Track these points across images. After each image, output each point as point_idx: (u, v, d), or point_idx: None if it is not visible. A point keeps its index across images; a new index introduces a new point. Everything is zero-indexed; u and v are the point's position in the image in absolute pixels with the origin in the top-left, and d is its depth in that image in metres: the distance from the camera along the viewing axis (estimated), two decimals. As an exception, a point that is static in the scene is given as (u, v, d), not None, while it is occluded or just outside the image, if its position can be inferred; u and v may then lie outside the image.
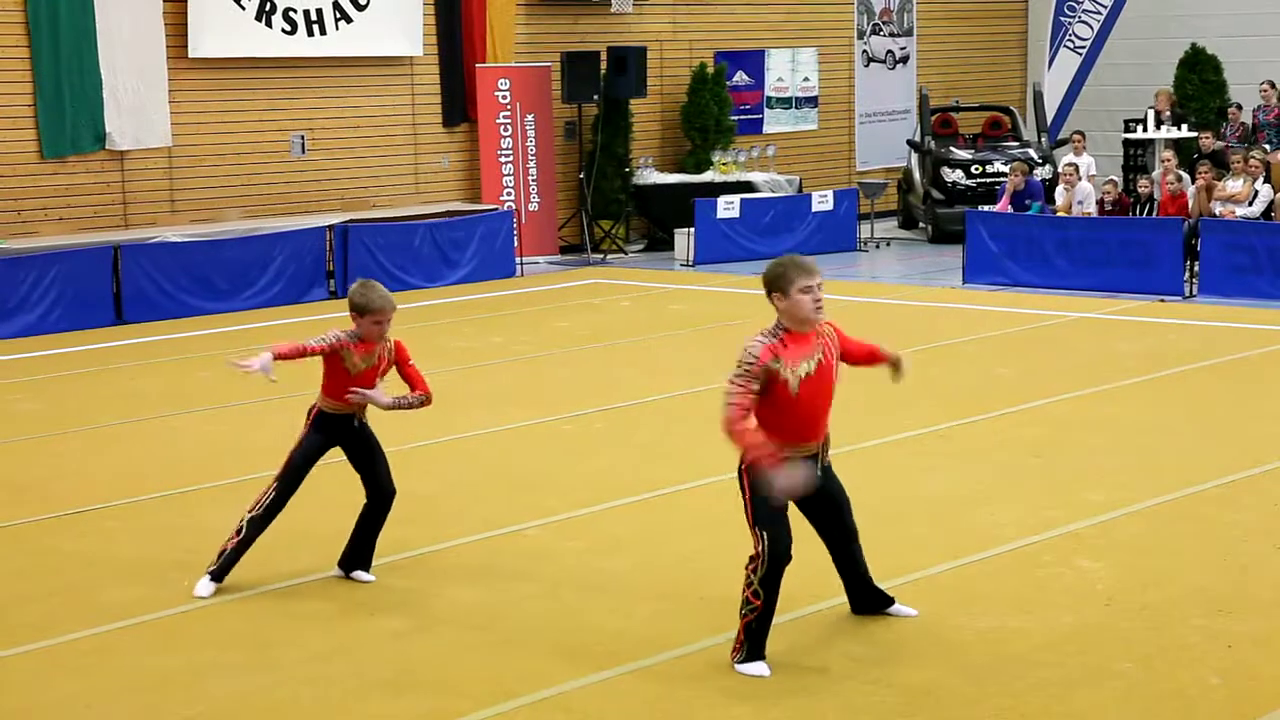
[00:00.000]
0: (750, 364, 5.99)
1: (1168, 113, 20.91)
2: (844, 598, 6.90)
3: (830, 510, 6.38)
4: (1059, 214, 18.02)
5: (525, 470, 9.49)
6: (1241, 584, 7.21)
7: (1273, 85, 20.34)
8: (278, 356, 6.98)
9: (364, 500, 7.31)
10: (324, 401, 7.28)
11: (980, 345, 13.71)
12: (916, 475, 9.32)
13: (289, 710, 5.94)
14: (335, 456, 7.51)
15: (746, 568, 6.09)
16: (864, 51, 24.35)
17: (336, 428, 7.30)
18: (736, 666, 6.14)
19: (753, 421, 5.92)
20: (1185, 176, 17.77)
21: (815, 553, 6.79)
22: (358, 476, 7.38)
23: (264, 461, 9.86)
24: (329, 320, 15.82)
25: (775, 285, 6.22)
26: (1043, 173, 20.79)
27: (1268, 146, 19.46)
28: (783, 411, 6.02)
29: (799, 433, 6.09)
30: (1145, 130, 20.99)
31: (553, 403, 11.39)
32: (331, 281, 17.40)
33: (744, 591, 6.10)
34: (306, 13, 18.41)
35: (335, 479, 8.27)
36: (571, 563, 7.78)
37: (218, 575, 7.31)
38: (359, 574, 7.44)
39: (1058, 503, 8.67)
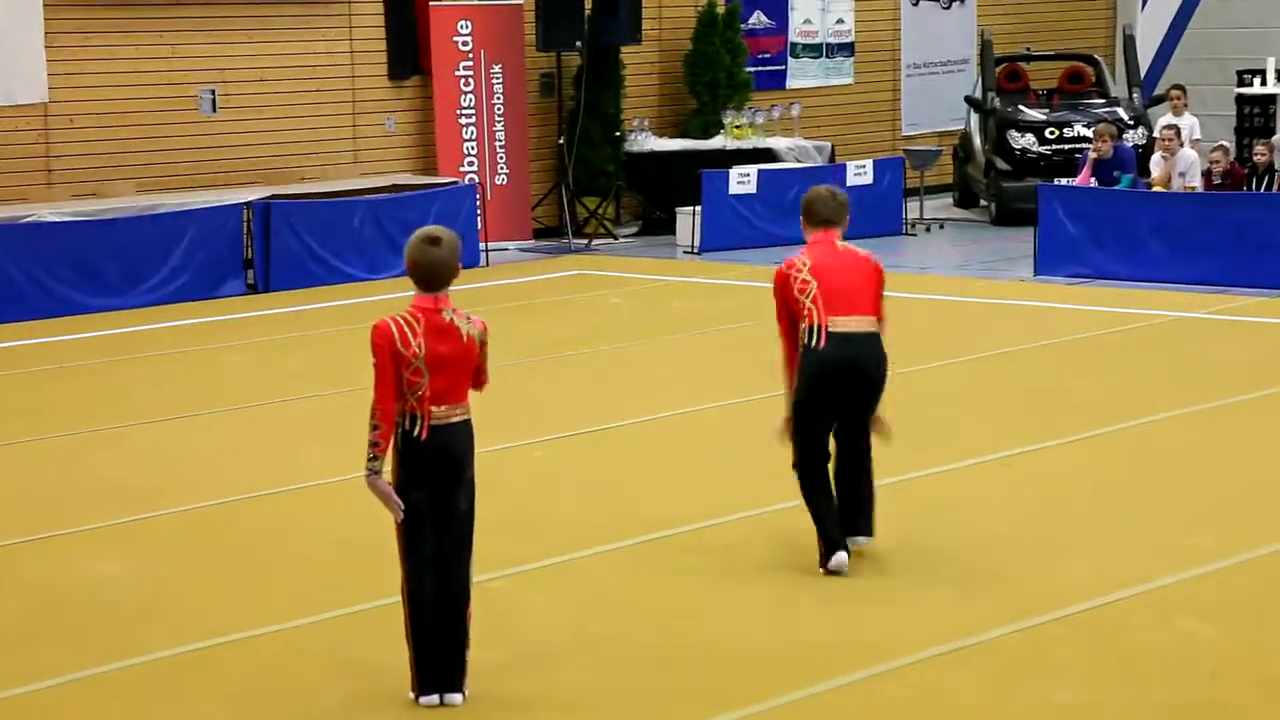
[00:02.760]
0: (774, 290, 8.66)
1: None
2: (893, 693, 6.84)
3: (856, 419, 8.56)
4: (1155, 188, 18.00)
5: (487, 508, 9.45)
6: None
7: None
8: None
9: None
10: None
11: (1055, 352, 13.70)
12: (975, 514, 9.30)
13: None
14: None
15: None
16: (912, -13, 24.34)
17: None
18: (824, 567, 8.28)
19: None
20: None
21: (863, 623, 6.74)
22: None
23: (156, 497, 9.82)
24: (245, 321, 15.81)
25: (804, 213, 8.90)
26: (1135, 137, 20.77)
27: None
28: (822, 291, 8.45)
29: (841, 306, 8.40)
30: (1264, 84, 21.01)
31: (522, 424, 11.36)
32: (250, 272, 17.36)
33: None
34: (219, -62, 18.39)
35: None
36: (546, 623, 7.74)
37: None
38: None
39: (1152, 550, 8.65)
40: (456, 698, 6.81)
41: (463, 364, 6.82)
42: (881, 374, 8.41)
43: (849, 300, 8.37)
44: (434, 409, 6.76)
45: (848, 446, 8.50)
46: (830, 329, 8.30)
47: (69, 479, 10.41)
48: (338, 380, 12.91)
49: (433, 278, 6.78)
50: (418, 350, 6.74)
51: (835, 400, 8.35)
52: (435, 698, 6.75)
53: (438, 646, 6.76)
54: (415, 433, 6.76)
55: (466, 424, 6.85)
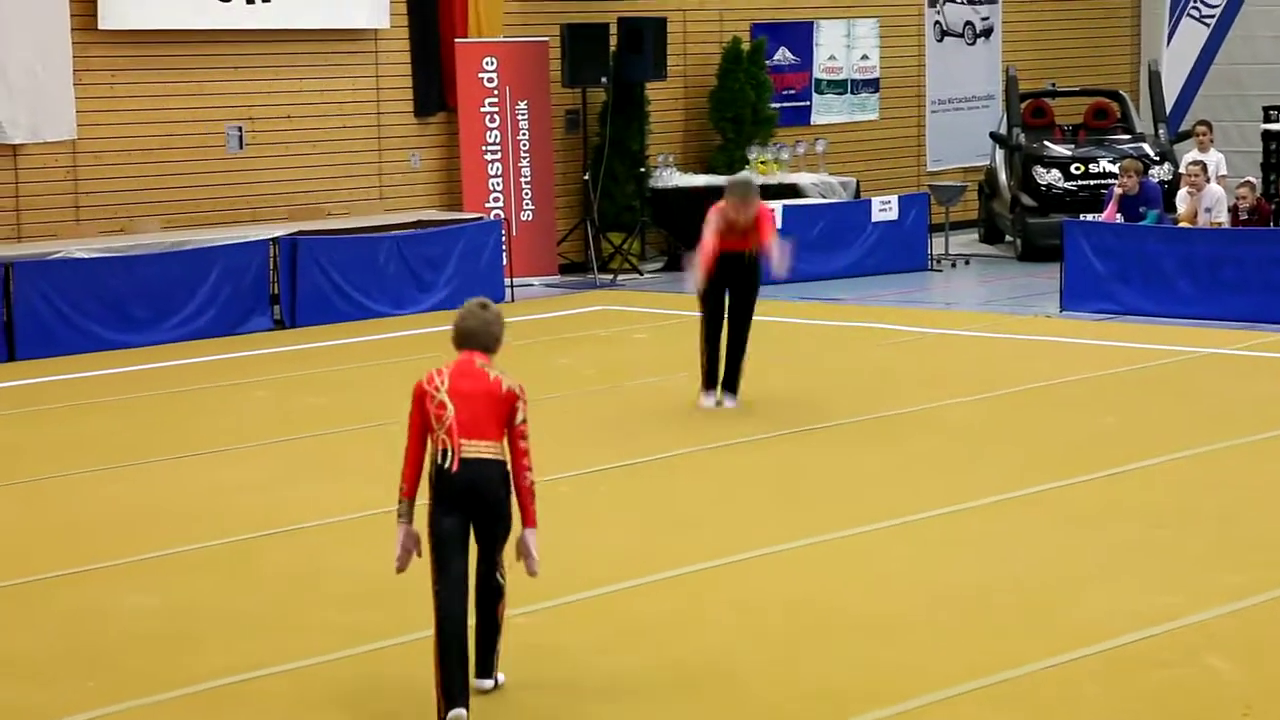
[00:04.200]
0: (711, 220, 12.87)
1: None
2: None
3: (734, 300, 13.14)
4: (1181, 224, 17.98)
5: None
6: None
7: None
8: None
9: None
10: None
11: (1082, 388, 13.67)
12: (1002, 550, 9.28)
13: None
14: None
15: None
16: (936, 23, 24.38)
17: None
18: (700, 402, 13.03)
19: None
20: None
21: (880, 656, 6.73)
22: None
23: (183, 530, 9.85)
24: (271, 356, 15.84)
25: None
26: (1161, 173, 20.75)
27: None
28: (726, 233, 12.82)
29: (727, 246, 12.84)
30: (1289, 120, 20.97)
31: (548, 459, 11.33)
32: (276, 308, 17.39)
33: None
34: (246, -25, 18.49)
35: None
36: (577, 660, 7.75)
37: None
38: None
39: (1181, 586, 8.62)
40: (486, 683, 7.18)
41: (488, 401, 7.09)
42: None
43: None
44: (464, 442, 7.04)
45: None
46: None
47: (99, 513, 10.43)
48: (363, 416, 12.93)
49: (469, 338, 7.25)
50: (439, 384, 7.13)
51: None
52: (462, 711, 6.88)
53: (464, 661, 6.97)
54: (447, 465, 7.06)
55: (499, 464, 7.09)
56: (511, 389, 7.12)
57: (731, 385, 13.05)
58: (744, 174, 13.51)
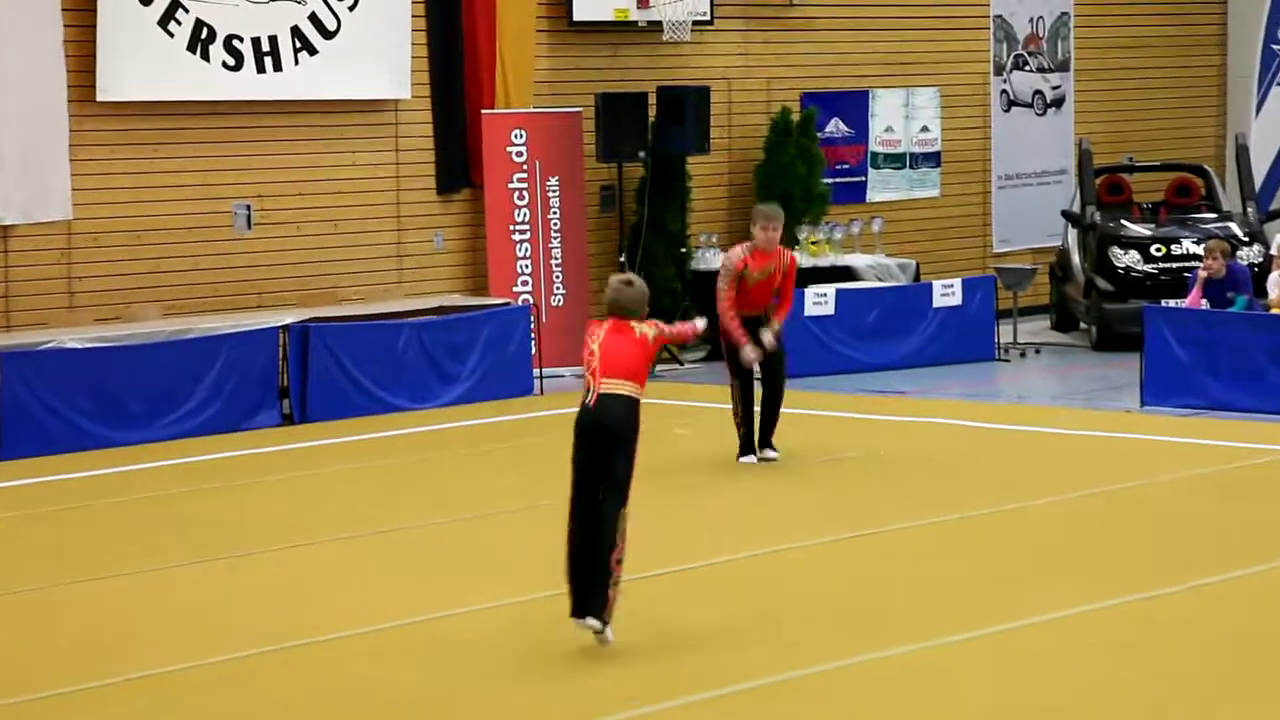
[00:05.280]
0: (729, 268, 14.57)
1: None
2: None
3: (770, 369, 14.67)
4: (1273, 310, 17.91)
5: (543, 659, 9.42)
6: None
7: None
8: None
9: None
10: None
11: (1166, 491, 13.60)
12: (1076, 670, 9.18)
13: None
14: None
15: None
16: (1003, 92, 24.45)
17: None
18: (740, 459, 14.64)
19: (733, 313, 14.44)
20: None
21: None
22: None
23: (188, 645, 9.82)
24: (279, 454, 15.84)
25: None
26: (1250, 255, 20.69)
27: None
28: (743, 292, 14.43)
29: (746, 306, 14.41)
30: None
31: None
32: (285, 402, 17.41)
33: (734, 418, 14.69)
34: (256, 41, 18.62)
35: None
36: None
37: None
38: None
39: (1267, 712, 8.50)
40: (593, 623, 9.31)
41: (630, 346, 9.55)
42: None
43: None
44: (604, 380, 9.48)
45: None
46: None
47: (94, 628, 10.41)
48: (378, 519, 12.92)
49: (618, 308, 9.70)
50: (596, 335, 9.68)
51: None
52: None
53: (582, 580, 9.34)
54: (586, 400, 9.50)
55: (632, 401, 9.45)
56: (647, 331, 9.62)
57: (769, 439, 14.74)
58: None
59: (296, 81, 18.90)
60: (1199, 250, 19.95)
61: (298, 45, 18.85)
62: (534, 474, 14.69)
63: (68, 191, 17.61)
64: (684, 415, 17.36)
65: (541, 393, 18.72)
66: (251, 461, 15.52)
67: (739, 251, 14.87)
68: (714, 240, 21.44)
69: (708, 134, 20.85)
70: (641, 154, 20.44)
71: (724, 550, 11.81)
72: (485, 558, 11.87)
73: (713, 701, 8.76)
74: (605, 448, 9.42)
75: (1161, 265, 21.18)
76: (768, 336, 14.47)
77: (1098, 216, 21.91)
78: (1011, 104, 24.44)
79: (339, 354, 17.53)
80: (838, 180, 22.62)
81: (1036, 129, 24.65)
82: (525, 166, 20.17)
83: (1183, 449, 15.21)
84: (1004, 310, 21.08)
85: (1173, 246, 21.32)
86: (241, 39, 18.48)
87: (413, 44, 19.58)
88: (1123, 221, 21.92)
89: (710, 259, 21.23)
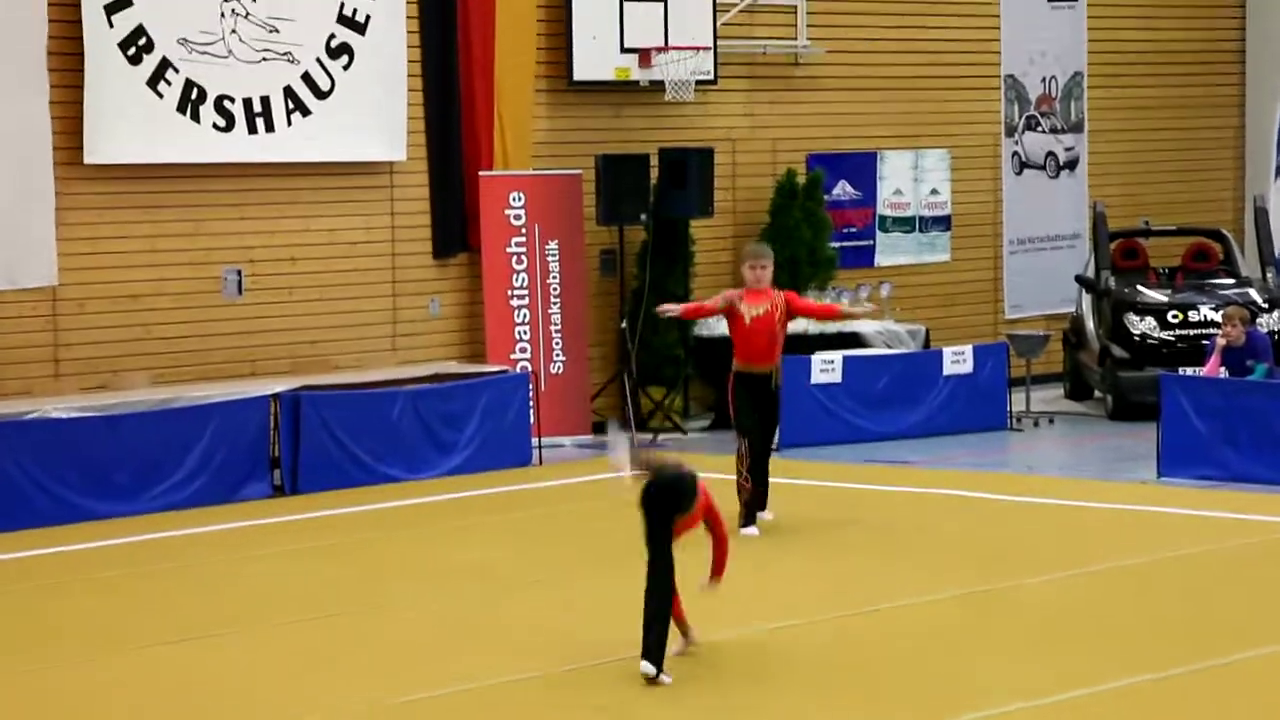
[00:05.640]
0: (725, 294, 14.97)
1: None
2: None
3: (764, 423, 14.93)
4: (1293, 379, 17.90)
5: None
6: None
7: None
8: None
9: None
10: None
11: (1184, 566, 13.55)
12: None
13: None
14: None
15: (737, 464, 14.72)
16: (1015, 154, 24.50)
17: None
18: (741, 531, 14.28)
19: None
20: None
21: None
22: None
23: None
24: (270, 527, 15.81)
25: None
26: (1270, 322, 20.69)
27: None
28: (743, 338, 14.77)
29: (751, 355, 14.73)
30: None
31: (583, 645, 11.27)
32: (276, 472, 17.39)
33: (737, 480, 14.62)
34: (248, 102, 18.67)
35: None
36: None
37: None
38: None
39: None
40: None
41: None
42: None
43: None
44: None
45: None
46: None
47: (76, 712, 10.35)
48: (372, 594, 12.88)
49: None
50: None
51: None
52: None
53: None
54: None
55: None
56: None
57: (763, 500, 15.11)
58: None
59: (289, 143, 18.95)
60: (1217, 317, 19.95)
61: (290, 106, 18.91)
62: (529, 546, 14.66)
63: (53, 256, 17.62)
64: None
65: (540, 463, 18.69)
66: (241, 535, 15.49)
67: (734, 289, 15.35)
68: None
69: (711, 196, 20.88)
70: (643, 217, 20.46)
71: (716, 630, 11.76)
72: (478, 635, 11.81)
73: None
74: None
75: (1179, 332, 21.17)
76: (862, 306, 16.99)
77: (1113, 282, 21.91)
78: (1023, 166, 24.49)
79: (332, 423, 17.52)
80: (845, 244, 22.65)
81: (1049, 192, 24.68)
82: (524, 230, 20.20)
83: (1200, 522, 15.18)
84: (1016, 378, 21.07)
85: (1190, 313, 21.31)
86: (233, 99, 18.54)
87: (408, 104, 19.65)
88: (1138, 287, 21.93)
89: (714, 325, 21.24)
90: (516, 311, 20.24)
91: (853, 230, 22.95)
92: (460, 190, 20.26)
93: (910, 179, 23.45)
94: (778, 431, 15.88)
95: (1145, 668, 10.62)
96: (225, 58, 18.46)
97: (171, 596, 13.23)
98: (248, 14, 18.57)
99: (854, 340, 20.98)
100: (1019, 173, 24.45)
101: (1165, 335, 21.21)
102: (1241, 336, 18.05)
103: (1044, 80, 24.62)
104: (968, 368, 20.47)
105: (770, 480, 15.03)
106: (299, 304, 19.22)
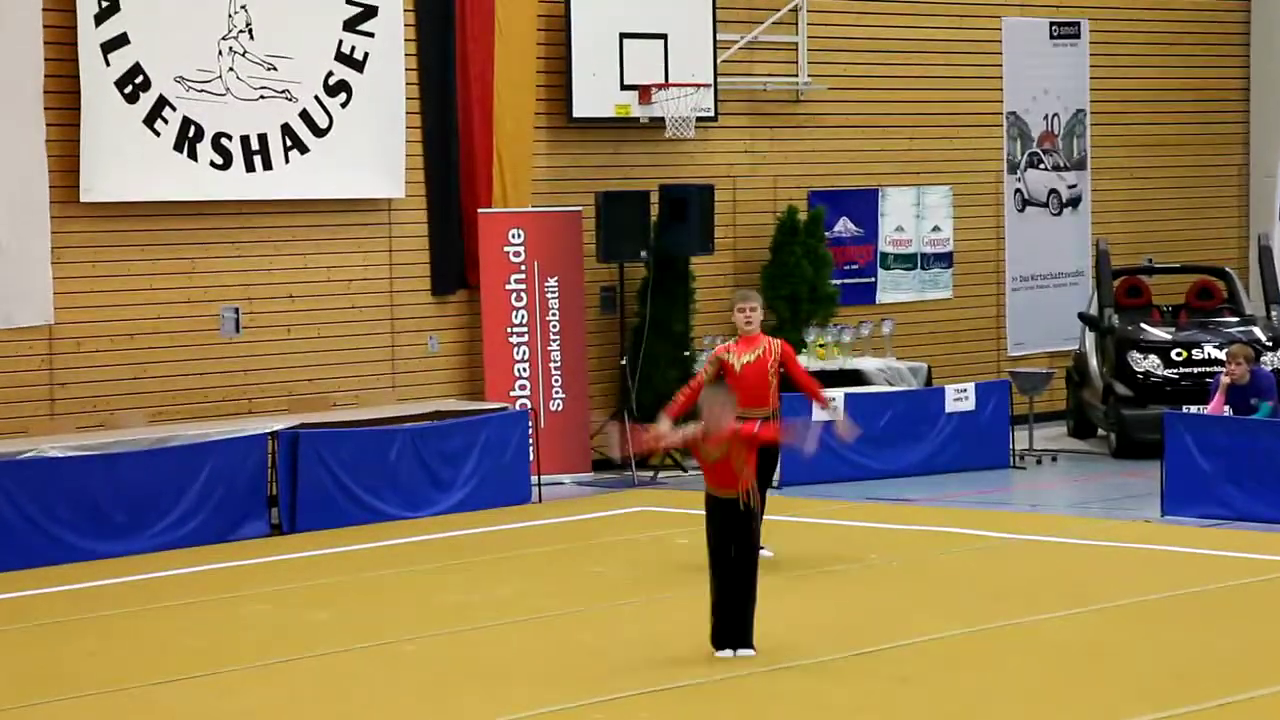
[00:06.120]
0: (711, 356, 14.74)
1: None
2: None
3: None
4: (1297, 417, 17.91)
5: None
6: None
7: None
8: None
9: None
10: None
11: (1188, 604, 13.54)
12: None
13: None
14: None
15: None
16: (1018, 191, 24.53)
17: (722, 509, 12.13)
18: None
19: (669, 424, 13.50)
20: None
21: None
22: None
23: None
24: (268, 566, 15.81)
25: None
26: (1274, 360, 20.70)
27: None
28: (736, 386, 13.63)
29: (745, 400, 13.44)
30: None
31: (580, 681, 11.27)
32: (274, 511, 17.39)
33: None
34: (245, 140, 18.72)
35: None
36: None
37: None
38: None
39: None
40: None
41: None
42: None
43: None
44: None
45: None
46: None
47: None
48: (371, 633, 12.87)
49: None
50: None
51: None
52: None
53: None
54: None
55: None
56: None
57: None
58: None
59: (287, 180, 18.99)
60: (1221, 355, 19.98)
61: (288, 143, 18.96)
62: (527, 584, 14.65)
63: (50, 294, 17.64)
64: (687, 523, 17.32)
65: (540, 500, 18.69)
66: (239, 574, 15.49)
67: (723, 343, 15.36)
68: (718, 343, 21.42)
69: (712, 233, 20.92)
70: (643, 254, 20.50)
71: (717, 670, 11.76)
72: (477, 674, 11.82)
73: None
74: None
75: (1182, 370, 21.19)
76: (840, 416, 15.57)
77: (1116, 320, 21.93)
78: (1026, 203, 24.53)
79: (330, 461, 17.53)
80: (846, 281, 22.68)
81: (1052, 229, 24.71)
82: (523, 267, 20.23)
83: (1204, 561, 15.17)
84: (1019, 416, 21.09)
85: (1194, 351, 21.34)
86: (230, 137, 18.58)
87: (407, 141, 19.70)
88: (1142, 325, 21.95)
89: (715, 363, 21.30)
90: (516, 349, 20.27)
91: (854, 267, 22.99)
92: (459, 227, 20.30)
93: (912, 216, 23.49)
94: (777, 470, 15.57)
95: (1156, 706, 10.60)
96: (223, 95, 18.52)
97: (169, 636, 13.22)
98: (245, 52, 18.64)
99: (856, 378, 21.00)
100: (1021, 210, 24.49)
101: (1169, 373, 21.23)
102: (1246, 375, 18.06)
103: (1046, 117, 24.67)
104: (970, 405, 20.49)
105: (769, 517, 14.64)
106: (297, 341, 19.24)
